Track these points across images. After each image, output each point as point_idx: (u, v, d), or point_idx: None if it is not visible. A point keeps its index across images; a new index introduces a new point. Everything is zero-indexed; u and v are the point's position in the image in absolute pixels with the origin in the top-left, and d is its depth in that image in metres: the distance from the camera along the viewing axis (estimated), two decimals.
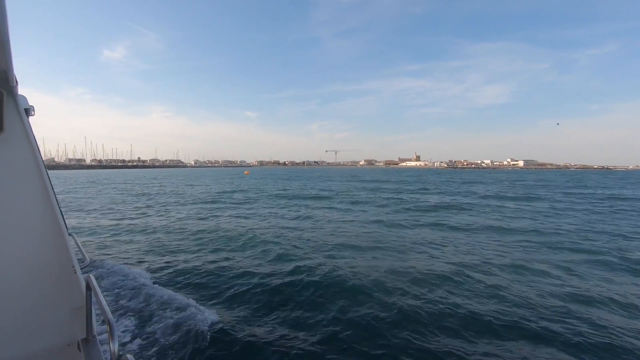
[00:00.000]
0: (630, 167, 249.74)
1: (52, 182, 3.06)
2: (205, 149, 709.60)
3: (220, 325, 4.95)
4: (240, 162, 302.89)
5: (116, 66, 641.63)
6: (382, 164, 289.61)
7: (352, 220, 14.47)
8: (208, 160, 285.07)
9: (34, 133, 3.03)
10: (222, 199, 23.09)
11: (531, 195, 25.45)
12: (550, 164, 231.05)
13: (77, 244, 3.12)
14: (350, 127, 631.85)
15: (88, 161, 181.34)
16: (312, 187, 34.53)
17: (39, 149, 3.02)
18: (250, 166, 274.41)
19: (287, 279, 7.01)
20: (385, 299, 6.01)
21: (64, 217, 2.97)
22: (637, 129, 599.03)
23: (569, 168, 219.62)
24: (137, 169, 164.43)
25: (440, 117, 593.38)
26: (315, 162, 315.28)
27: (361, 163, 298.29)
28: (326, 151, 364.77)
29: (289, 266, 7.85)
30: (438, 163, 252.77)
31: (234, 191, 29.74)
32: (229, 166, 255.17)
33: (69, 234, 2.93)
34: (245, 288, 6.51)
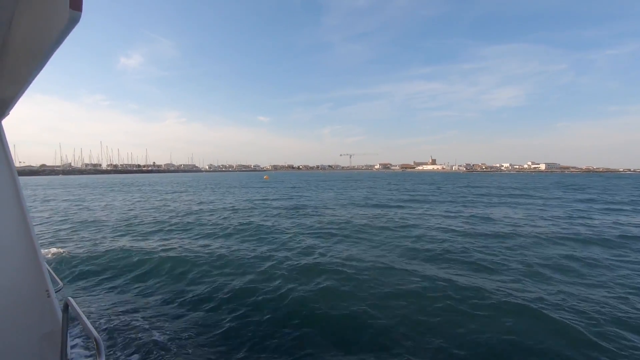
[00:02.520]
0: None
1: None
2: (219, 154, 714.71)
3: None
4: (254, 166, 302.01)
5: (132, 73, 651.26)
6: (397, 167, 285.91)
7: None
8: (222, 165, 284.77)
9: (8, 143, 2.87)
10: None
11: None
12: (574, 167, 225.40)
13: (48, 269, 2.91)
14: (362, 131, 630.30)
15: (104, 166, 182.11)
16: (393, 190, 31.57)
17: (13, 163, 2.84)
18: (265, 170, 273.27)
19: None
20: None
21: (37, 239, 2.87)
22: None
23: (591, 171, 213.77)
24: (152, 173, 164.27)
25: (453, 120, 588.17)
26: (329, 166, 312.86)
27: (376, 167, 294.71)
28: (340, 155, 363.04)
29: None
30: (456, 167, 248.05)
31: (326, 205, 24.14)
32: (243, 170, 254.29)
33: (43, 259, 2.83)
34: None
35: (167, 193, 34.96)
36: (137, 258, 9.32)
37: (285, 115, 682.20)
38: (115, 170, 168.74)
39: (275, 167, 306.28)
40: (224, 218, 16.93)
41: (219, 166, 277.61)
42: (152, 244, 11.15)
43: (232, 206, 22.29)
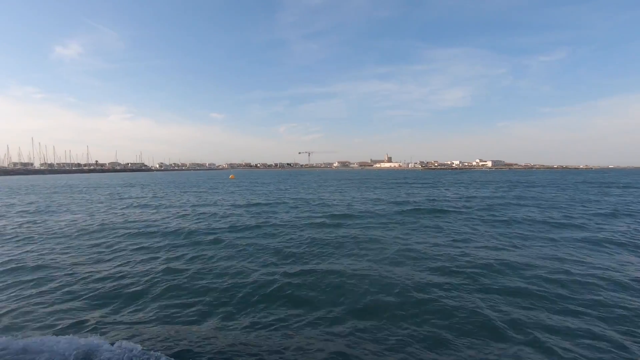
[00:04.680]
0: (581, 166, 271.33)
1: None
2: (170, 152, 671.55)
3: None
4: (210, 164, 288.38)
5: (70, 64, 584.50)
6: (356, 165, 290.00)
7: None
8: (174, 163, 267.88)
9: None
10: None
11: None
12: (516, 164, 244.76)
13: None
14: (319, 129, 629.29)
15: (37, 165, 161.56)
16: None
17: None
18: (220, 169, 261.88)
19: None
20: None
21: None
22: (583, 131, 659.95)
23: (532, 168, 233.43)
24: (94, 173, 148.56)
25: (407, 119, 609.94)
26: (288, 164, 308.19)
27: (335, 165, 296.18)
28: (299, 153, 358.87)
29: None
30: (412, 164, 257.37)
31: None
32: (197, 169, 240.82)
33: None
34: None
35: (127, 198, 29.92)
36: None
37: (241, 113, 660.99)
38: (50, 170, 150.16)
39: (231, 166, 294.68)
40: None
41: (170, 165, 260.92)
42: None
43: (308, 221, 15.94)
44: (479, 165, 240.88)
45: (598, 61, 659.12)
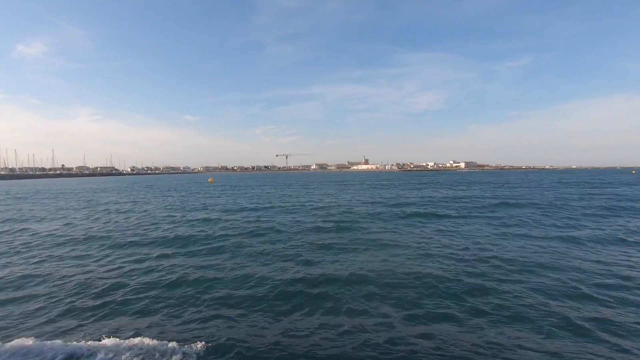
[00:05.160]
0: (547, 166, 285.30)
1: None
2: (143, 155, 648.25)
3: None
4: (184, 168, 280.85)
5: (33, 63, 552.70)
6: (334, 167, 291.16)
7: None
8: (147, 167, 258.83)
9: None
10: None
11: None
12: (488, 165, 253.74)
13: None
14: (296, 131, 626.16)
15: None
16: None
17: None
18: (195, 172, 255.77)
19: None
20: None
21: None
22: (547, 134, 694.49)
23: (502, 169, 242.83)
24: (62, 177, 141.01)
25: (382, 122, 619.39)
26: (265, 166, 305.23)
27: (313, 167, 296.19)
28: (277, 155, 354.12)
29: None
30: (389, 166, 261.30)
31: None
32: (172, 173, 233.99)
33: None
34: None
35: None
36: None
37: (216, 115, 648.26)
38: (12, 175, 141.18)
39: (207, 169, 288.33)
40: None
41: (143, 168, 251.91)
42: None
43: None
44: (452, 167, 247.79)
45: (560, 67, 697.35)
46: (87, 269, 9.34)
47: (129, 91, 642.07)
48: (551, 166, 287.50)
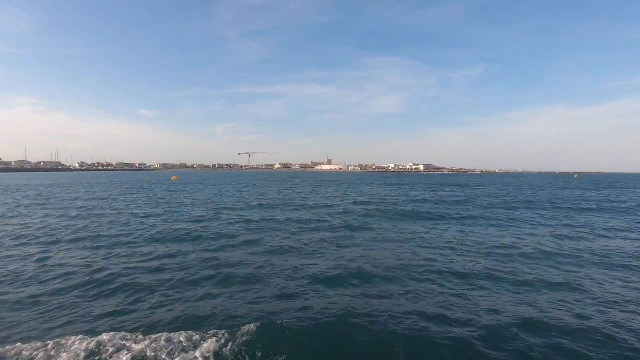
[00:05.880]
0: (496, 170, 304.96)
1: None
2: (93, 150, 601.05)
3: None
4: (140, 164, 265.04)
5: None
6: (297, 167, 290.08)
7: None
8: (98, 163, 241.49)
9: None
10: None
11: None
12: (445, 168, 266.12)
13: None
14: (258, 129, 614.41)
15: None
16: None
17: None
18: (152, 169, 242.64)
19: None
20: None
21: None
22: (497, 139, 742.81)
23: (459, 172, 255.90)
24: None
25: (344, 123, 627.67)
26: (227, 164, 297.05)
27: (276, 166, 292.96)
28: (239, 153, 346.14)
29: None
30: (352, 167, 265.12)
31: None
32: (126, 169, 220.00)
33: None
34: None
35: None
36: None
37: (174, 110, 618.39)
38: None
39: (165, 166, 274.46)
40: None
41: (93, 164, 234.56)
42: None
43: None
44: (412, 169, 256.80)
45: (508, 77, 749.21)
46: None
47: (77, 81, 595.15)
48: (501, 169, 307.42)
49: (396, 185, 51.69)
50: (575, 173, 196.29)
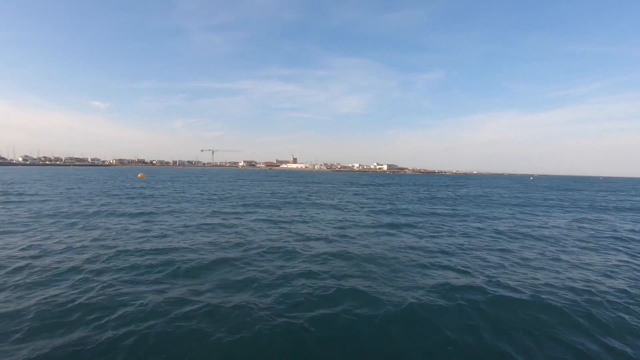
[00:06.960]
0: (454, 171, 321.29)
1: None
2: (39, 143, 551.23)
3: None
4: (93, 159, 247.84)
5: None
6: (263, 165, 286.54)
7: None
8: (44, 157, 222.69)
9: None
10: None
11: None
12: (407, 168, 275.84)
13: None
14: (221, 126, 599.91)
15: None
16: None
17: None
18: (107, 165, 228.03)
19: None
20: None
21: None
22: (453, 142, 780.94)
23: (418, 172, 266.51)
24: None
25: (309, 121, 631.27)
26: (189, 161, 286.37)
27: (241, 164, 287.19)
28: (202, 150, 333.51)
29: None
30: (318, 166, 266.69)
31: None
32: (77, 165, 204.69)
33: None
34: None
35: None
36: None
37: (130, 103, 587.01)
38: None
39: (121, 162, 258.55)
40: None
41: (39, 158, 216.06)
42: None
43: None
44: (376, 168, 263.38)
45: (465, 83, 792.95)
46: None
47: (17, 67, 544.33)
48: (457, 171, 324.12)
49: (382, 186, 50.59)
50: (532, 175, 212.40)
